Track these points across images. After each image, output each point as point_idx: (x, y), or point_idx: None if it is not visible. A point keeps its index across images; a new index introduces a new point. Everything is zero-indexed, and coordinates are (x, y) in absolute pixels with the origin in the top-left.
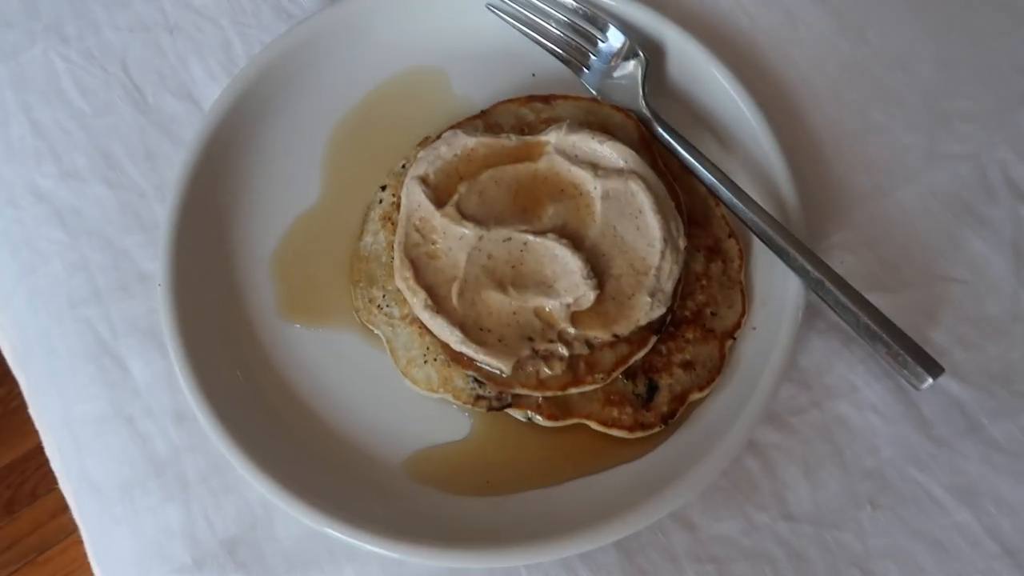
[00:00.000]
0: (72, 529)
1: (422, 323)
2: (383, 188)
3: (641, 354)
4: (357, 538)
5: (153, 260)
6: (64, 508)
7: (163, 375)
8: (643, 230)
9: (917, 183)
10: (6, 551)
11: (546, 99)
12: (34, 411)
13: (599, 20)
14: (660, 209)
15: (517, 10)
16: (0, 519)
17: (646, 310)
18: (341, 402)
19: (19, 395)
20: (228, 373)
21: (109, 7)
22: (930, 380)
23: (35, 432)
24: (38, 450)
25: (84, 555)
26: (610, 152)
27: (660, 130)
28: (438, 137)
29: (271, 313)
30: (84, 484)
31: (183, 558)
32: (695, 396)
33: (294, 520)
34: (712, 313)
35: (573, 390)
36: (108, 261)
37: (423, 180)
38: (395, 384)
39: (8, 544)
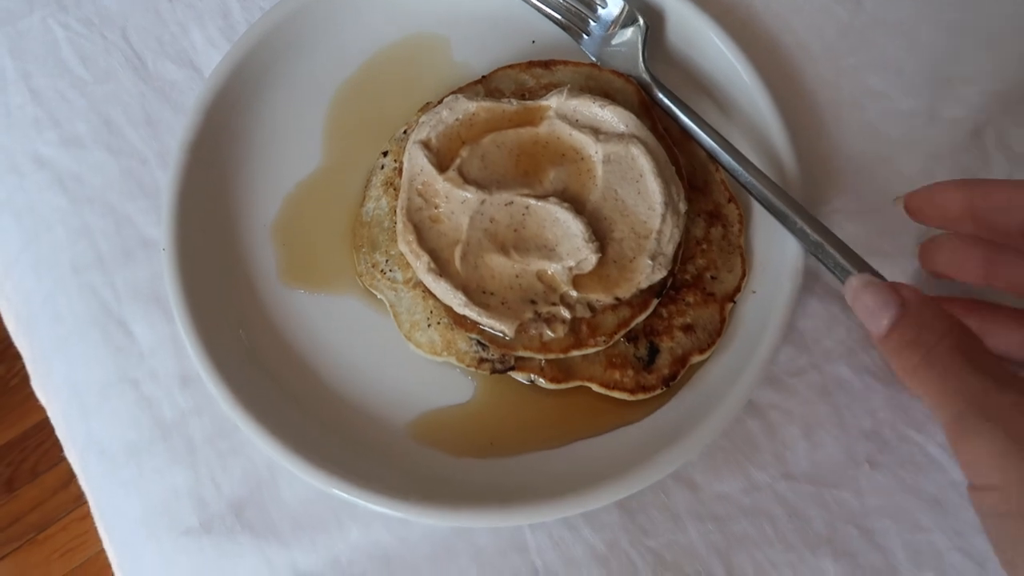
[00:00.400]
0: (73, 507)
1: (425, 287)
2: (384, 154)
3: (642, 317)
4: (362, 498)
5: (155, 226)
6: (64, 485)
7: (167, 339)
8: (644, 194)
9: (917, 149)
10: (7, 529)
11: (546, 64)
12: (38, 379)
13: None
14: (661, 173)
15: None
16: (0, 497)
17: (647, 273)
18: (345, 366)
19: (18, 373)
20: (232, 337)
21: None
22: None
23: (35, 410)
24: (38, 428)
25: (85, 532)
26: (611, 116)
27: (660, 95)
28: (439, 102)
29: (273, 278)
30: (90, 448)
31: (190, 520)
32: (696, 359)
33: (300, 482)
34: (712, 277)
35: (575, 353)
36: (111, 227)
37: (425, 144)
38: (399, 348)
39: (9, 522)
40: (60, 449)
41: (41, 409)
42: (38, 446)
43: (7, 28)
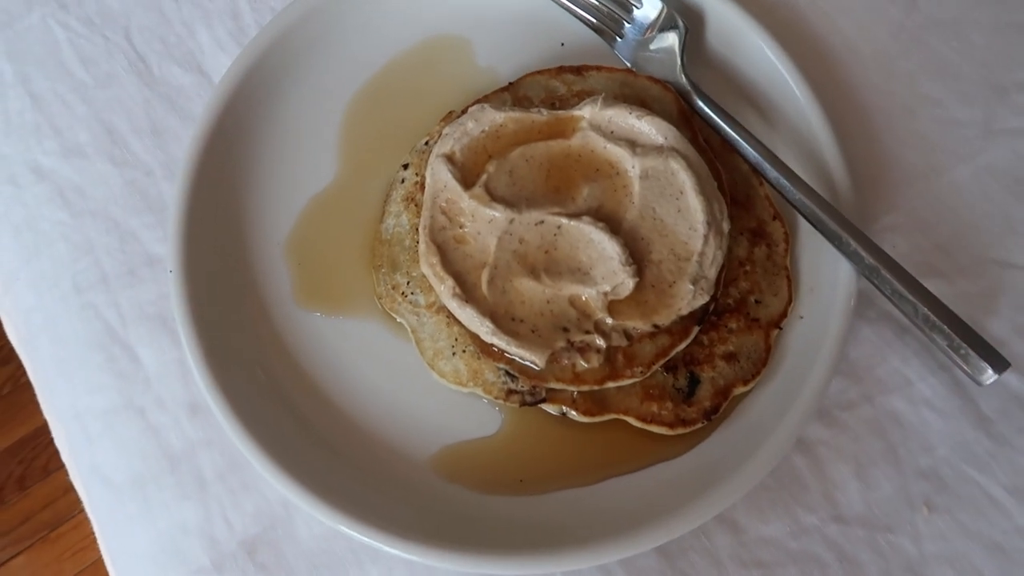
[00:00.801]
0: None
1: (449, 312)
2: (405, 166)
3: (682, 346)
4: (383, 541)
5: (161, 242)
6: None
7: (175, 364)
8: (684, 212)
9: (973, 161)
10: (19, 527)
11: (578, 70)
12: (41, 396)
13: None
14: (702, 190)
15: None
16: (12, 495)
17: (688, 299)
18: (364, 395)
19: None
20: (244, 364)
21: None
22: (993, 374)
23: None
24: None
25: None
26: (648, 128)
27: (700, 103)
28: (464, 111)
29: (288, 300)
30: (95, 477)
31: (201, 559)
32: (739, 390)
33: (316, 520)
34: (756, 301)
35: (611, 384)
36: (115, 243)
37: (449, 158)
38: (421, 376)
39: (21, 520)
40: None
41: None
42: (49, 444)
43: (6, 31)
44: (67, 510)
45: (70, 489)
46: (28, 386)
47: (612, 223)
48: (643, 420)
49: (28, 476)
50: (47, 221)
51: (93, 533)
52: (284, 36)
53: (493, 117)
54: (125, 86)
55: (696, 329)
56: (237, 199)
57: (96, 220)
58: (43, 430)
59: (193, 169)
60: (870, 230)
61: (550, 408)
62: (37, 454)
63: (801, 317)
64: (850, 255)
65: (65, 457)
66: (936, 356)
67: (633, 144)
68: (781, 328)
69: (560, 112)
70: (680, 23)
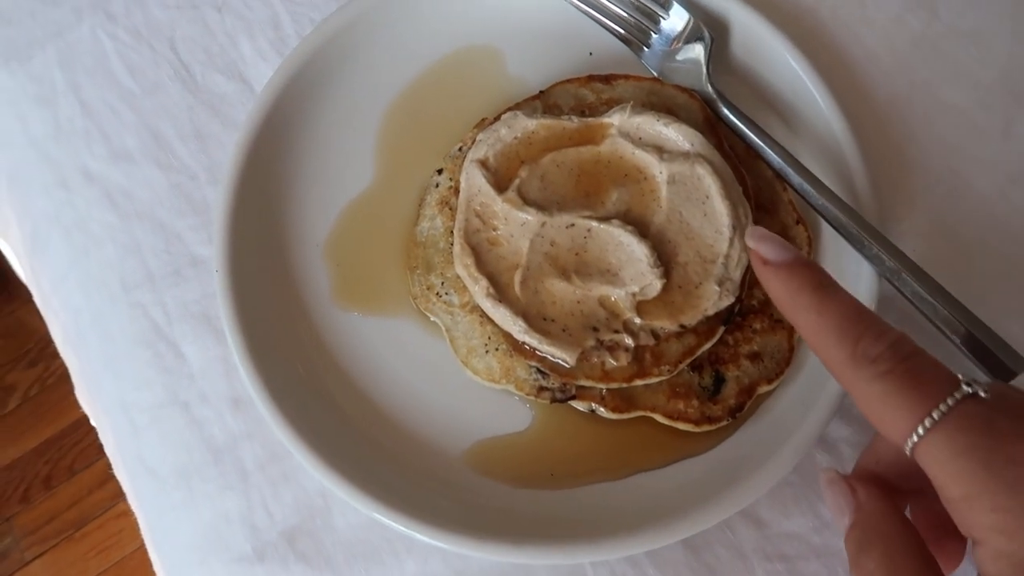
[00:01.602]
0: (109, 505)
1: (483, 312)
2: (439, 172)
3: (708, 345)
4: (419, 531)
5: (204, 244)
6: (101, 484)
7: (218, 361)
8: (710, 216)
9: (993, 167)
10: (45, 526)
11: (606, 79)
12: (85, 395)
13: None
14: (728, 194)
15: None
16: (39, 494)
17: (714, 299)
18: (400, 391)
19: (55, 372)
20: (285, 360)
21: None
22: (1013, 374)
23: (73, 408)
24: (76, 426)
25: (121, 531)
26: (675, 135)
27: (726, 111)
28: (497, 119)
29: (327, 299)
30: (140, 469)
31: (243, 547)
32: (763, 388)
33: (354, 510)
34: None
35: (639, 382)
36: (160, 244)
37: (483, 164)
38: (455, 373)
39: (47, 519)
40: (97, 448)
41: (79, 408)
42: (75, 444)
43: (57, 41)
44: (92, 510)
45: (95, 489)
46: (53, 388)
47: (640, 226)
48: (670, 417)
49: (54, 476)
50: (96, 223)
51: (118, 532)
52: (323, 47)
53: (525, 124)
54: (170, 94)
55: (722, 329)
56: (278, 202)
57: (143, 222)
58: (69, 431)
59: (237, 173)
60: (891, 234)
61: (579, 405)
62: (63, 454)
63: None
64: (871, 258)
65: (110, 451)
66: (956, 357)
67: (660, 150)
68: None
69: (590, 119)
70: (706, 33)
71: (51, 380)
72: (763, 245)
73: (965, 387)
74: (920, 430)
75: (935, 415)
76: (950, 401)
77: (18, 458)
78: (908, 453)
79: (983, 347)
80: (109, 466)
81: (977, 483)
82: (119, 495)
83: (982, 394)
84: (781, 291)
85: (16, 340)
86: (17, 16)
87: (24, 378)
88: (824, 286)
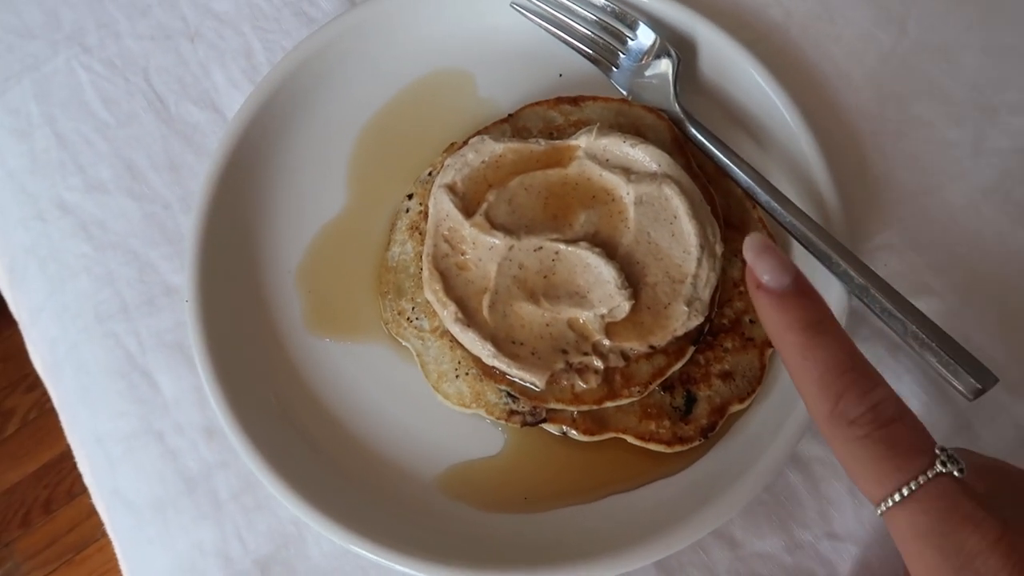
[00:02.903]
0: None
1: (453, 336)
2: (409, 196)
3: (679, 365)
4: (393, 560)
5: (178, 272)
6: None
7: (192, 390)
8: (678, 236)
9: (964, 181)
10: (45, 550)
11: (574, 100)
12: (65, 423)
13: (628, 17)
14: (695, 214)
15: (543, 8)
16: (38, 518)
17: (683, 319)
18: (372, 417)
19: None
20: (257, 389)
21: (130, 15)
22: (981, 390)
23: None
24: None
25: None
26: (642, 156)
27: (693, 130)
28: (465, 143)
29: (299, 326)
30: (116, 501)
31: None
32: (735, 408)
33: (327, 539)
34: (751, 321)
35: (609, 404)
36: (134, 274)
37: (451, 188)
38: (426, 398)
39: (47, 543)
40: None
41: None
42: (74, 468)
43: (33, 73)
44: (91, 533)
45: (94, 512)
46: (53, 412)
47: (608, 248)
48: (642, 438)
49: (54, 500)
50: (71, 254)
51: (116, 556)
52: (293, 74)
53: (493, 148)
54: (144, 124)
55: (692, 349)
56: (250, 229)
57: (117, 252)
58: (68, 455)
59: (208, 202)
60: (863, 249)
61: (551, 428)
62: (62, 478)
63: None
64: (840, 275)
65: (88, 481)
66: (928, 374)
67: (628, 171)
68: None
69: (557, 142)
70: (673, 53)
71: (49, 404)
72: (760, 262)
73: (939, 466)
74: (890, 501)
75: (904, 491)
76: (921, 479)
77: (18, 482)
78: (879, 515)
79: (952, 362)
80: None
81: (931, 569)
82: None
83: (955, 473)
84: (771, 323)
85: (15, 364)
86: None
87: (23, 402)
88: (815, 326)
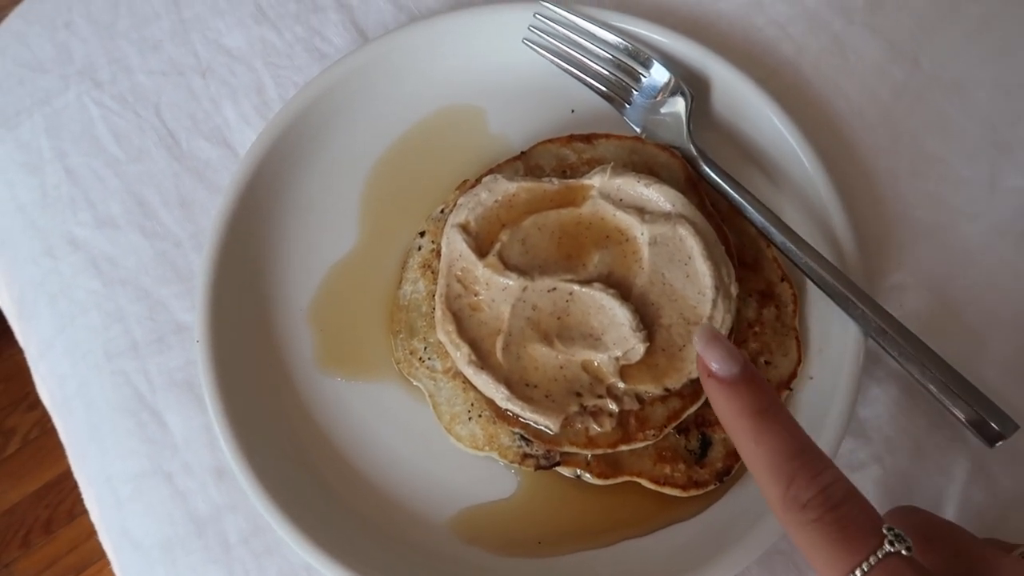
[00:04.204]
0: None
1: (465, 378)
2: (421, 234)
3: (694, 408)
4: None
5: (189, 311)
6: None
7: (202, 430)
8: (693, 277)
9: (979, 218)
10: (45, 571)
11: (587, 138)
12: (74, 461)
13: (642, 55)
14: (710, 255)
15: (555, 45)
16: (38, 539)
17: None
18: (383, 458)
19: None
20: (268, 429)
21: (142, 50)
22: (1002, 437)
23: None
24: None
25: None
26: (656, 196)
27: (707, 169)
28: (478, 181)
29: (310, 365)
30: (124, 541)
31: None
32: None
33: None
34: (766, 362)
35: (624, 447)
36: (144, 312)
37: (464, 228)
38: (439, 439)
39: (47, 564)
40: None
41: None
42: (74, 488)
43: (44, 108)
44: (92, 555)
45: (94, 533)
46: (53, 432)
47: (622, 289)
48: (656, 482)
49: (54, 520)
50: (81, 290)
51: None
52: (305, 111)
53: (506, 187)
54: (155, 160)
55: None
56: (262, 267)
57: (127, 289)
58: (69, 475)
59: (219, 240)
60: (878, 288)
61: (565, 471)
62: (63, 498)
63: (811, 378)
64: (857, 317)
65: (95, 520)
66: (945, 417)
67: (642, 211)
68: (791, 389)
69: (571, 181)
70: (686, 91)
71: (51, 424)
72: (710, 351)
73: (887, 546)
74: None
75: (858, 572)
76: (872, 560)
77: (18, 502)
78: None
79: (971, 410)
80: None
81: None
82: None
83: (903, 552)
84: (722, 409)
85: (16, 384)
86: (6, 84)
87: (24, 422)
88: (764, 412)
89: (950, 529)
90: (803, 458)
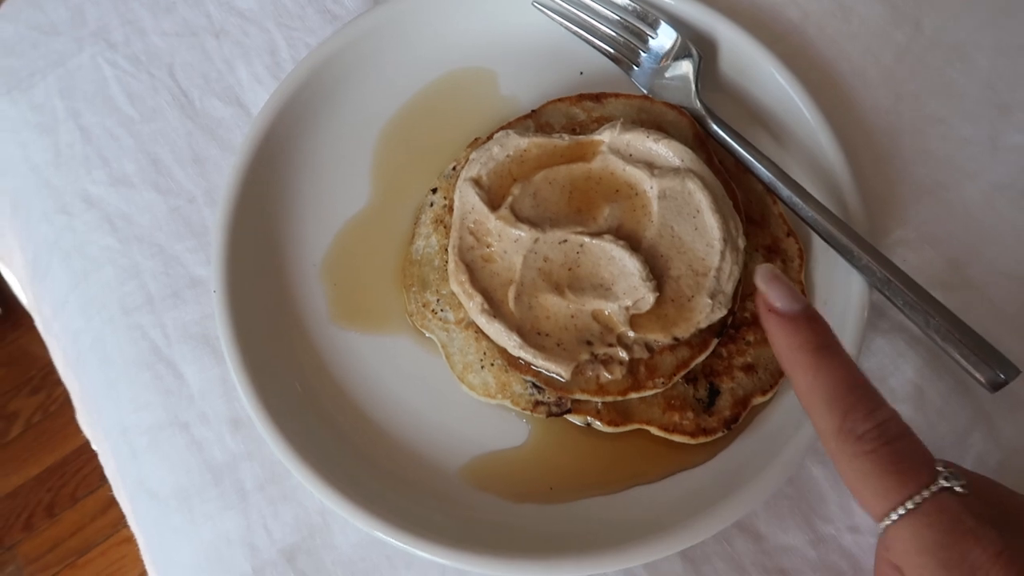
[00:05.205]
0: (112, 532)
1: (478, 328)
2: (433, 191)
3: (702, 357)
4: (418, 547)
5: (203, 265)
6: (104, 511)
7: (217, 381)
8: (701, 230)
9: (980, 177)
10: (47, 554)
11: (597, 97)
12: (85, 418)
13: (649, 16)
14: (718, 208)
15: (565, 7)
16: (41, 522)
17: (706, 312)
18: (397, 408)
19: (57, 399)
20: (283, 379)
21: (155, 12)
22: (1004, 381)
23: (75, 436)
24: (77, 453)
25: (123, 557)
26: (665, 151)
27: (715, 127)
28: (489, 138)
29: (324, 319)
30: (140, 492)
31: (243, 567)
32: (758, 400)
33: (353, 528)
34: None
35: (633, 395)
36: (159, 267)
37: (476, 182)
38: (451, 389)
39: (49, 547)
40: (99, 475)
41: (81, 435)
42: (78, 471)
43: (58, 69)
44: (95, 537)
45: (98, 516)
46: (55, 416)
47: (632, 241)
48: (665, 430)
49: (57, 503)
50: (95, 247)
51: (120, 559)
52: (318, 71)
53: (517, 143)
54: (169, 119)
55: (715, 341)
56: (275, 223)
57: (142, 245)
58: (71, 459)
59: (234, 195)
60: (881, 244)
61: (575, 419)
62: (66, 482)
63: None
64: (862, 269)
65: (110, 474)
66: (948, 366)
67: (651, 166)
68: None
69: (581, 137)
70: (694, 52)
71: (54, 408)
72: (772, 290)
73: (942, 481)
74: (893, 516)
75: (909, 504)
76: (925, 493)
77: (21, 485)
78: (880, 532)
79: (974, 356)
80: (111, 490)
81: None
82: (121, 522)
83: (957, 488)
84: (782, 343)
85: (19, 368)
86: (20, 47)
87: (27, 405)
88: (824, 348)
89: (989, 481)
90: (860, 391)
